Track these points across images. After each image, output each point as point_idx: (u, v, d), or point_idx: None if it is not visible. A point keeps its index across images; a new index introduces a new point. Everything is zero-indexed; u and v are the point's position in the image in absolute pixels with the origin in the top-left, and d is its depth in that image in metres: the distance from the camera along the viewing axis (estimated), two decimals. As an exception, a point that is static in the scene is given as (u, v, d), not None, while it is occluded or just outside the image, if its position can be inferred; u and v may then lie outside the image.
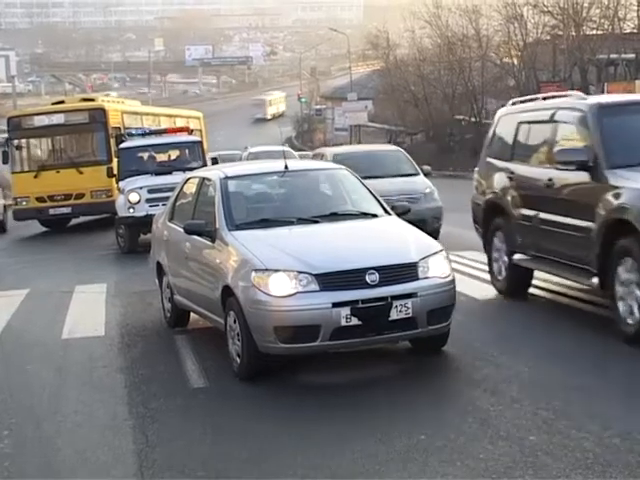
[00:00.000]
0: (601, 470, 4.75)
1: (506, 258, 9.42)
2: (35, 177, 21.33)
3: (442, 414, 5.92)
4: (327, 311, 6.42)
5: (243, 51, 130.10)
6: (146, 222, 12.47)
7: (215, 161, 18.62)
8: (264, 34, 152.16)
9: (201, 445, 5.60)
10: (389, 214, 7.94)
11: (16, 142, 21.63)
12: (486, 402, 5.99)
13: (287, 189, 8.42)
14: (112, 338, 8.80)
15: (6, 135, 22.39)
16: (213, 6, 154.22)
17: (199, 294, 7.97)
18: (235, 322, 6.88)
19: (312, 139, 65.95)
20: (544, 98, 9.72)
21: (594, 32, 34.98)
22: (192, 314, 8.79)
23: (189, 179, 9.25)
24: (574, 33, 34.97)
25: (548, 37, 37.78)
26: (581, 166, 7.81)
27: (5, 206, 23.77)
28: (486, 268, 11.09)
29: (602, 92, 29.77)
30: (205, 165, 16.68)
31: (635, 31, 33.01)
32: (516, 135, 9.56)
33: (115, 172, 17.78)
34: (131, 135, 18.43)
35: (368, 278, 6.53)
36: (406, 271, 6.72)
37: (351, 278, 6.55)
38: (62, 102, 24.26)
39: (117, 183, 17.34)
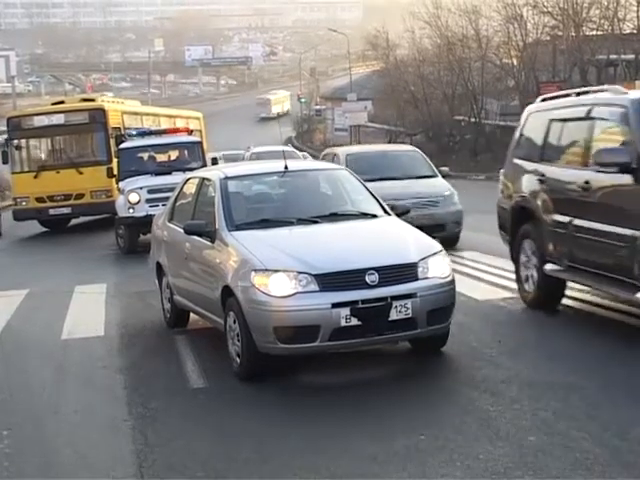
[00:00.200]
0: (601, 470, 4.75)
1: (536, 268, 8.69)
2: (35, 177, 21.35)
3: (441, 414, 5.92)
4: (327, 311, 6.42)
5: (243, 51, 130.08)
6: (146, 222, 12.47)
7: (215, 161, 18.62)
8: (264, 34, 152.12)
9: (201, 445, 5.60)
10: (389, 214, 7.93)
11: (16, 142, 21.65)
12: (486, 402, 5.99)
13: (287, 189, 8.42)
14: (112, 338, 8.80)
15: (6, 135, 22.38)
16: (213, 6, 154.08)
17: (199, 294, 7.97)
18: (235, 322, 6.88)
19: (312, 139, 66.01)
20: (578, 94, 8.90)
21: (594, 33, 34.98)
22: (192, 314, 8.79)
23: (189, 179, 9.26)
24: (574, 34, 34.98)
25: (548, 38, 37.80)
26: (623, 168, 7.11)
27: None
28: (487, 269, 11.11)
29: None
30: (205, 165, 16.69)
31: (635, 32, 32.99)
32: (547, 134, 8.85)
33: (115, 172, 17.80)
34: (131, 135, 18.44)
35: (368, 278, 6.53)
36: (406, 271, 6.72)
37: (351, 278, 6.55)
38: (62, 102, 24.27)
39: (117, 183, 17.36)
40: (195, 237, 7.88)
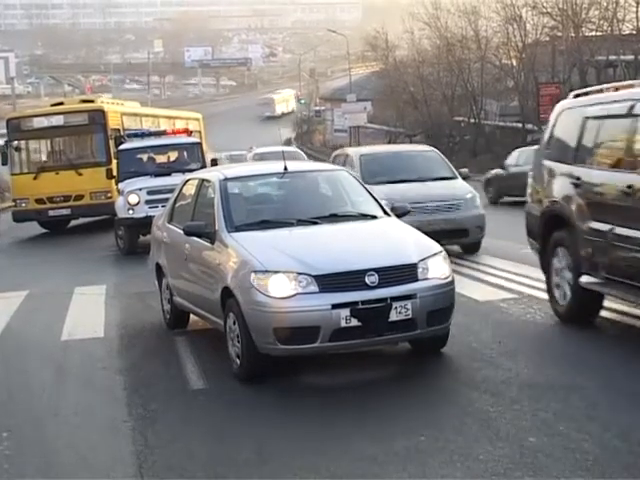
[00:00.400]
0: (601, 471, 4.75)
1: (570, 280, 7.98)
2: (34, 179, 21.35)
3: (441, 415, 5.92)
4: (327, 312, 6.42)
5: (242, 52, 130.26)
6: (145, 223, 12.47)
7: (215, 162, 18.61)
8: (263, 35, 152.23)
9: (201, 447, 5.60)
10: (388, 215, 7.93)
11: (15, 144, 21.64)
12: (486, 403, 5.99)
13: (287, 190, 8.42)
14: (111, 339, 8.80)
15: (5, 137, 22.38)
16: (212, 7, 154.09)
17: (198, 295, 7.97)
18: (235, 323, 6.88)
19: (311, 140, 66.07)
20: (616, 88, 8.16)
21: (593, 33, 35.00)
22: (192, 315, 8.79)
23: (188, 180, 9.25)
24: (573, 34, 34.98)
25: (547, 38, 37.81)
26: None
27: None
28: (487, 270, 11.08)
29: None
30: (204, 166, 16.68)
31: (634, 32, 32.98)
32: (582, 133, 8.05)
33: (114, 173, 17.80)
34: (130, 137, 18.43)
35: (368, 279, 6.53)
36: (406, 272, 6.72)
37: (351, 279, 6.55)
38: (61, 103, 24.28)
39: (116, 184, 17.36)
40: (195, 238, 7.87)
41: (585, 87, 11.01)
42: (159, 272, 9.39)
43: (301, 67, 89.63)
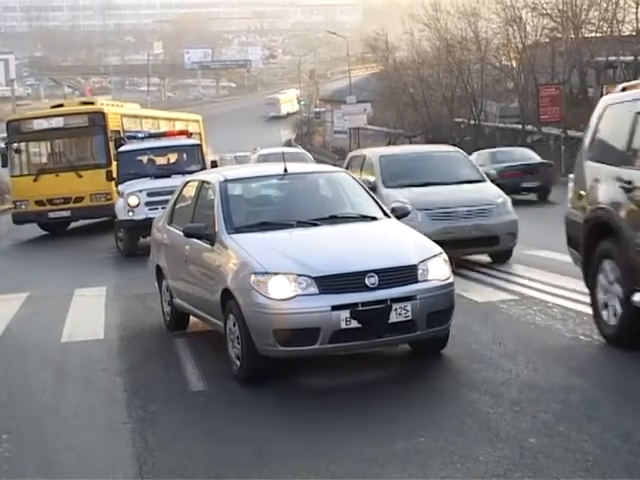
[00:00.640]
0: (601, 472, 4.75)
1: (620, 297, 7.07)
2: (34, 181, 21.36)
3: (441, 416, 5.92)
4: (327, 314, 6.42)
5: (242, 54, 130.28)
6: (145, 225, 12.48)
7: (214, 164, 18.61)
8: (263, 37, 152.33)
9: (201, 448, 5.60)
10: (388, 217, 7.93)
11: (15, 146, 21.64)
12: (485, 404, 5.99)
13: (287, 192, 8.42)
14: (111, 341, 8.80)
15: (5, 139, 22.39)
16: (212, 9, 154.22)
17: (198, 297, 7.97)
18: (235, 325, 6.88)
19: (311, 142, 66.09)
20: None
21: (593, 35, 35.05)
22: (192, 317, 8.79)
23: (188, 182, 9.25)
24: (573, 36, 35.04)
25: (547, 40, 37.88)
26: None
27: None
28: (487, 271, 11.03)
29: (601, 95, 29.82)
30: (204, 168, 16.67)
31: (634, 33, 33.04)
32: (633, 131, 7.18)
33: (114, 175, 17.79)
34: (130, 139, 18.43)
35: (367, 281, 6.53)
36: (405, 274, 6.72)
37: (350, 281, 6.55)
38: (61, 105, 24.31)
39: (116, 186, 17.36)
40: (195, 240, 7.88)
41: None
42: (159, 274, 9.39)
43: (301, 69, 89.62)
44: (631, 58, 32.54)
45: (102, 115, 21.54)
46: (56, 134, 21.60)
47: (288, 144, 59.15)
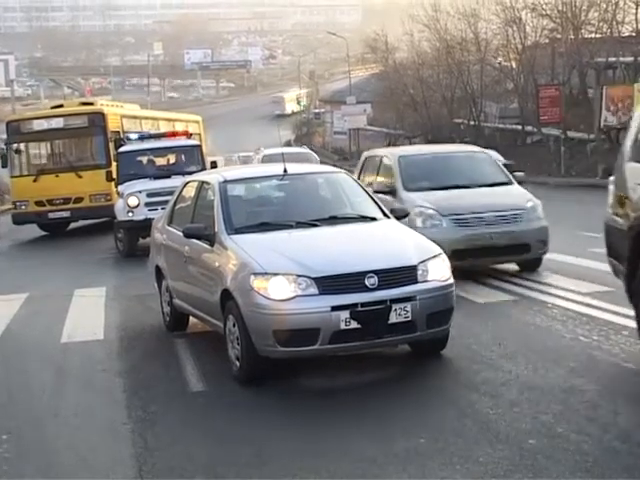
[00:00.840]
0: (601, 473, 4.75)
1: None
2: (34, 181, 21.37)
3: (441, 417, 5.91)
4: (326, 314, 6.42)
5: (242, 55, 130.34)
6: (145, 226, 12.47)
7: (214, 165, 18.60)
8: (263, 38, 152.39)
9: (200, 449, 5.59)
10: (388, 217, 7.93)
11: (15, 146, 21.66)
12: (485, 405, 5.99)
13: (286, 193, 8.42)
14: (111, 342, 8.80)
15: (5, 139, 22.39)
16: (212, 10, 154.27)
17: (198, 298, 7.97)
18: (234, 326, 6.88)
19: (311, 142, 66.05)
20: None
21: (592, 35, 35.03)
22: (191, 318, 8.79)
23: (188, 183, 9.26)
24: (573, 36, 35.02)
25: (547, 40, 37.87)
26: None
27: None
28: (487, 271, 10.98)
29: (601, 95, 29.83)
30: (204, 169, 16.67)
31: (633, 34, 33.02)
32: None
33: (114, 176, 17.80)
34: (130, 139, 18.44)
35: (367, 281, 6.53)
36: (405, 274, 6.72)
37: (350, 281, 6.55)
38: (61, 106, 24.32)
39: (116, 187, 17.36)
40: (194, 240, 7.88)
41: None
42: (159, 274, 9.39)
43: (301, 69, 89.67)
44: (631, 59, 32.53)
45: (102, 116, 21.55)
46: (56, 134, 21.61)
47: (288, 144, 59.16)
